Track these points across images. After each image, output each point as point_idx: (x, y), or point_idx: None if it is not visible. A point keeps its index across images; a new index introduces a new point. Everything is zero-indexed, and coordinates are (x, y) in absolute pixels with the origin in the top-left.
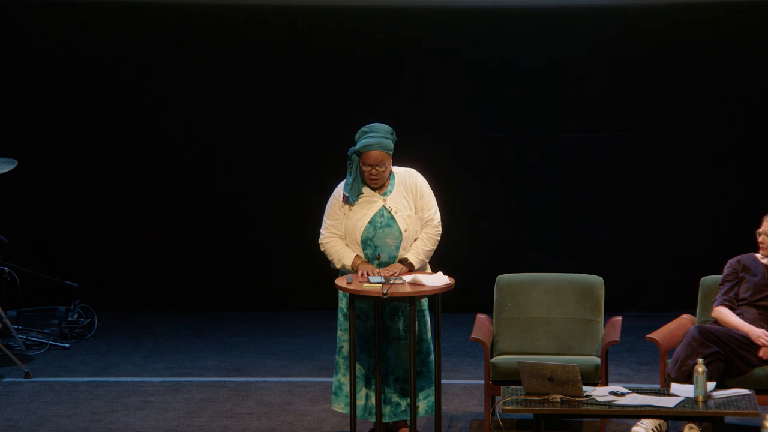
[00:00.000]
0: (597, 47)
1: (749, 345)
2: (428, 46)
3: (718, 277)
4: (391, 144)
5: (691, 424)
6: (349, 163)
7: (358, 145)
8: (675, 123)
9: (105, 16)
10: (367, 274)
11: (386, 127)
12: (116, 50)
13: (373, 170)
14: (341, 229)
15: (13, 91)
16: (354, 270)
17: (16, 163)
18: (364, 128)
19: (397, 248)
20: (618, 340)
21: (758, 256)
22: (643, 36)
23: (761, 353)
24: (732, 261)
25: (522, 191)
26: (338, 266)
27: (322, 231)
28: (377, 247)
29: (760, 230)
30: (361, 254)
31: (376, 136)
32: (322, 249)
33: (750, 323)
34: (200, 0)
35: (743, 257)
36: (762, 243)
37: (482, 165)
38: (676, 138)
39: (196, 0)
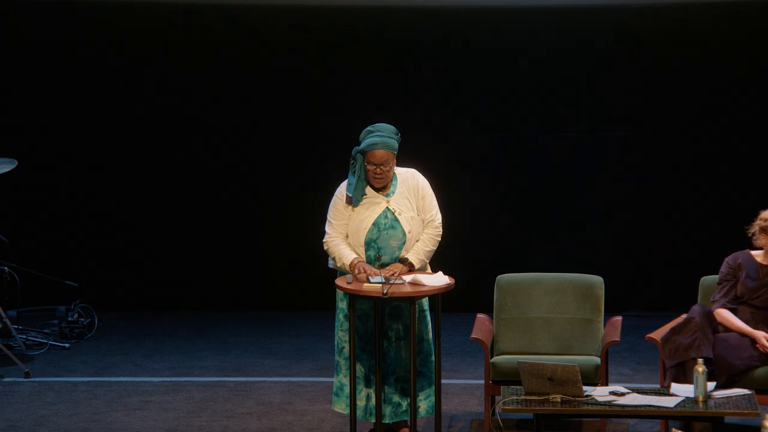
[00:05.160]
0: (597, 47)
1: (745, 349)
2: (428, 46)
3: (717, 277)
4: (395, 144)
5: None
6: (352, 162)
7: (363, 144)
8: (675, 123)
9: (106, 16)
10: (367, 275)
11: (391, 128)
12: (118, 50)
13: (378, 169)
14: (345, 229)
15: (13, 91)
16: (352, 269)
17: (16, 163)
18: (369, 128)
19: (400, 249)
20: (618, 340)
21: (753, 253)
22: (643, 36)
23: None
24: (729, 259)
25: (522, 191)
26: (339, 264)
27: (327, 230)
28: (380, 248)
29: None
30: (364, 255)
31: (382, 135)
32: (325, 248)
33: (745, 323)
34: (203, 0)
35: (739, 254)
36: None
37: (482, 165)
38: (676, 138)
39: (198, 0)
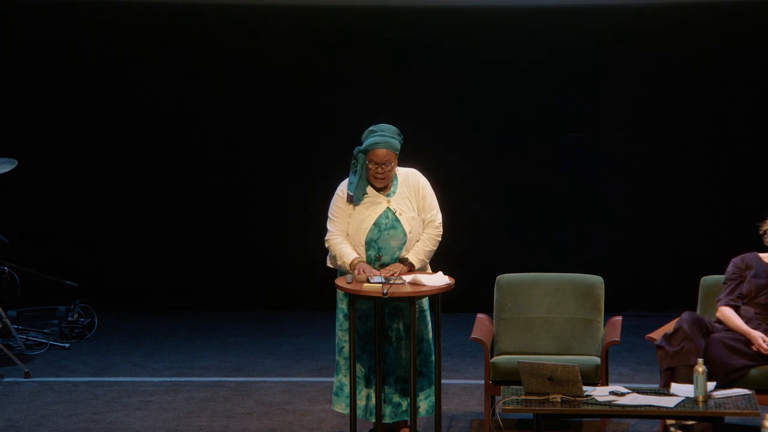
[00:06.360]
0: (597, 47)
1: (742, 350)
2: (428, 46)
3: (718, 277)
4: (397, 144)
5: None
6: (353, 162)
7: (365, 144)
8: (675, 123)
9: (106, 16)
10: (367, 275)
11: (393, 128)
12: (117, 49)
13: (379, 169)
14: (347, 228)
15: (13, 91)
16: (352, 269)
17: (16, 163)
18: (372, 127)
19: (400, 249)
20: (618, 340)
21: (761, 255)
22: (643, 36)
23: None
24: (736, 260)
25: (522, 191)
26: (339, 262)
27: (329, 227)
28: (381, 248)
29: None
30: (364, 255)
31: (384, 135)
32: (327, 245)
33: (747, 322)
34: (203, 0)
35: (746, 255)
36: None
37: (482, 165)
38: (676, 138)
39: (198, 0)
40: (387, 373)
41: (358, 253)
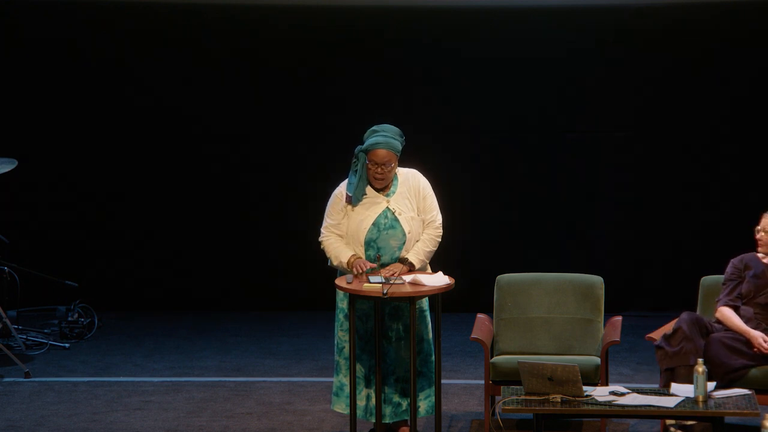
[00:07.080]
0: (597, 47)
1: (742, 350)
2: (429, 46)
3: (718, 277)
4: (399, 145)
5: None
6: (354, 161)
7: (367, 143)
8: (675, 123)
9: (106, 16)
10: (366, 274)
11: (396, 129)
12: (117, 49)
13: (379, 169)
14: (342, 229)
15: (14, 91)
16: (350, 268)
17: (16, 163)
18: (374, 127)
19: (400, 249)
20: (618, 340)
21: (759, 255)
22: (643, 36)
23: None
24: (735, 260)
25: (522, 191)
26: (335, 263)
27: (322, 230)
28: (380, 248)
29: (759, 227)
30: (363, 255)
31: (386, 135)
32: (321, 247)
33: (746, 321)
34: (203, 0)
35: (745, 256)
36: (760, 240)
37: (482, 165)
38: (676, 138)
39: (198, 0)
40: (387, 373)
41: (356, 253)
